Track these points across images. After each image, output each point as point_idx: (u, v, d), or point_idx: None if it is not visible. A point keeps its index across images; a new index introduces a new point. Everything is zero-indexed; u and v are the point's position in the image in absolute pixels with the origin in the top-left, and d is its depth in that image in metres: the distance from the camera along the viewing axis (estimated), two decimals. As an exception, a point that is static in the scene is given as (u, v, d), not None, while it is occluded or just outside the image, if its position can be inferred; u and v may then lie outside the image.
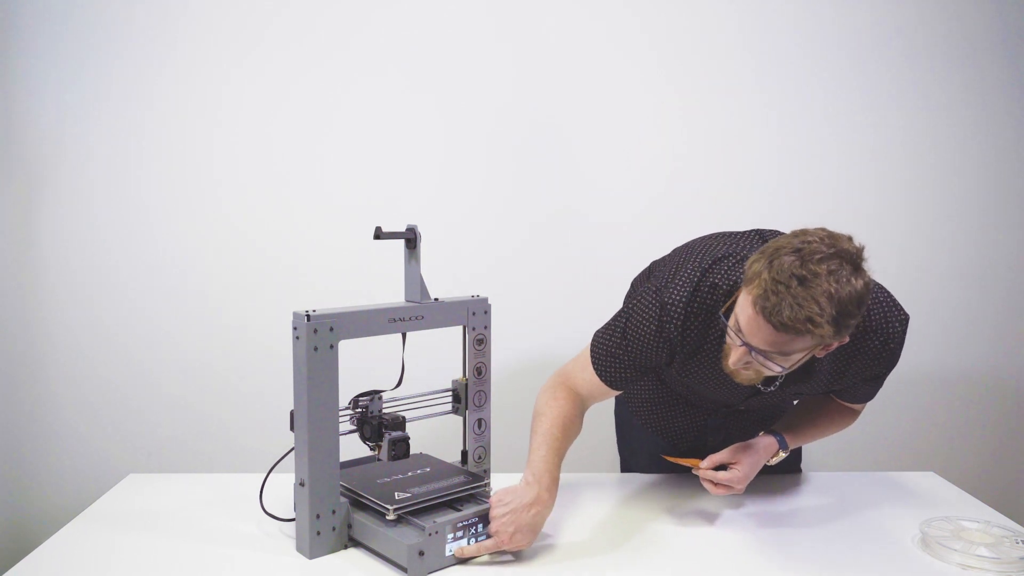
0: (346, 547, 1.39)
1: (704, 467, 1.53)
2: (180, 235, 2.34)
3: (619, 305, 2.25)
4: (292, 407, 1.35)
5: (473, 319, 1.51)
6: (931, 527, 1.44)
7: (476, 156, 2.37)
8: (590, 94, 2.35)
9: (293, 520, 1.40)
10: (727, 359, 1.40)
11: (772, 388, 1.52)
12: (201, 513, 1.54)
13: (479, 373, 1.53)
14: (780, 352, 1.30)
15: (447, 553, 1.33)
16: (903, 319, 1.50)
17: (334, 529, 1.36)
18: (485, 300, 1.53)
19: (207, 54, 2.29)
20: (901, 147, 2.41)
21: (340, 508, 1.37)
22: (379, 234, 1.41)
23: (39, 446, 2.38)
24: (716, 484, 1.51)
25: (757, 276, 1.28)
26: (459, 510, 1.38)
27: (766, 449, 1.56)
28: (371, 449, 1.40)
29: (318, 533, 1.35)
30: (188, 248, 2.35)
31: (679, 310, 1.45)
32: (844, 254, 1.27)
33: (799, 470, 1.86)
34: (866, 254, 1.31)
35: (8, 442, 2.35)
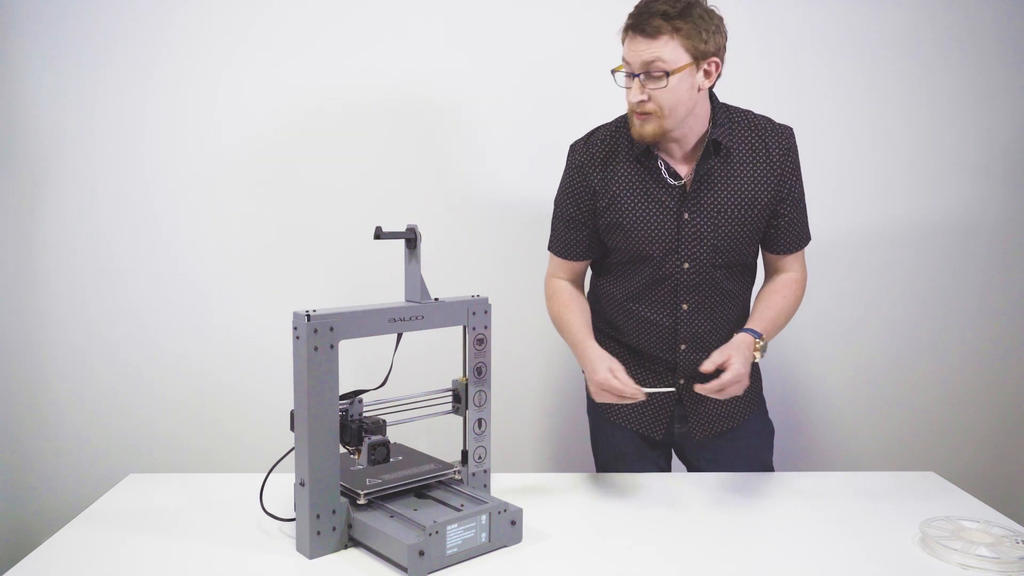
0: (346, 547, 1.39)
1: (703, 377, 1.58)
2: (180, 235, 2.35)
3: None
4: (292, 407, 1.35)
5: (473, 319, 1.51)
6: (931, 527, 1.44)
7: (476, 155, 2.37)
8: (592, 93, 2.35)
9: (293, 520, 1.40)
10: (628, 109, 1.63)
11: (684, 182, 1.66)
12: (201, 513, 1.54)
13: (479, 373, 1.53)
14: (652, 63, 1.54)
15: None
16: (789, 127, 1.72)
17: (334, 529, 1.36)
18: (485, 300, 1.53)
19: (205, 53, 2.30)
20: (902, 143, 2.41)
21: (340, 508, 1.37)
22: (379, 234, 1.41)
23: (39, 446, 2.38)
24: (723, 389, 1.56)
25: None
26: (459, 509, 1.38)
27: (744, 341, 1.63)
28: (351, 453, 1.40)
29: (318, 533, 1.35)
30: (188, 248, 2.35)
31: (580, 141, 1.77)
32: None
33: (771, 468, 1.87)
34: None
35: (8, 442, 2.35)
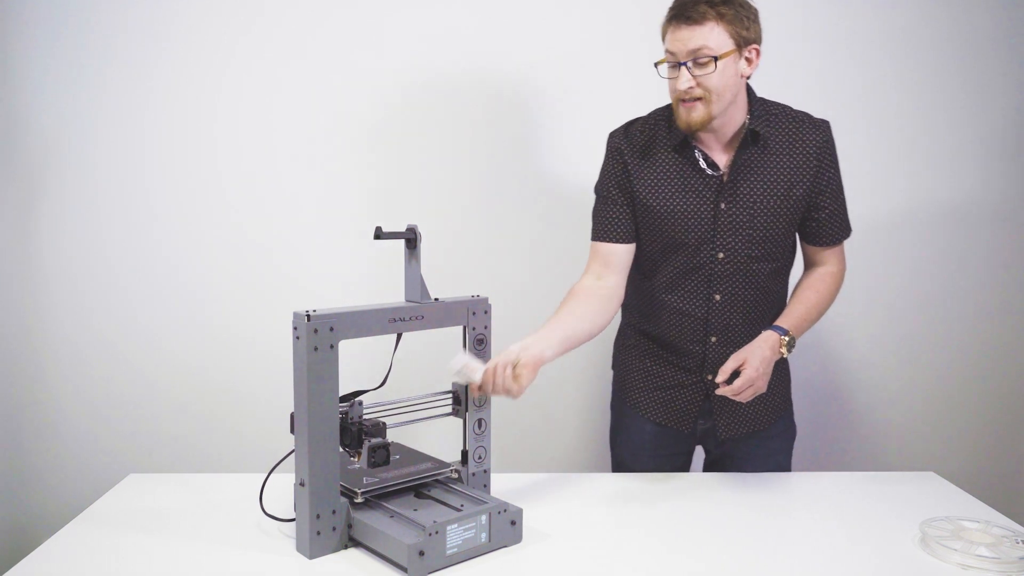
0: (346, 547, 1.39)
1: (719, 381, 1.59)
2: (180, 235, 2.35)
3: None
4: (292, 407, 1.35)
5: (473, 319, 1.51)
6: (931, 527, 1.44)
7: (477, 155, 2.37)
8: (593, 93, 2.35)
9: (293, 520, 1.40)
10: (673, 98, 1.65)
11: (722, 172, 1.68)
12: (201, 513, 1.54)
13: (479, 373, 1.53)
14: (699, 50, 1.56)
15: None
16: (825, 121, 1.75)
17: (334, 529, 1.36)
18: (485, 300, 1.53)
19: (206, 55, 2.30)
20: (899, 145, 2.41)
21: (340, 508, 1.37)
22: (379, 234, 1.41)
23: (39, 446, 2.38)
24: (738, 393, 1.58)
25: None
26: (459, 509, 1.38)
27: (766, 340, 1.64)
28: (350, 456, 1.40)
29: (318, 533, 1.35)
30: (188, 248, 2.35)
31: (619, 129, 1.79)
32: None
33: (789, 468, 1.88)
34: None
35: (8, 442, 2.35)
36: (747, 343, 1.67)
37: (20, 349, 2.35)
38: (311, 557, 1.35)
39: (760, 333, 1.67)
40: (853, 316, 2.45)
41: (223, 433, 2.40)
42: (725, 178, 1.69)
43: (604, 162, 1.80)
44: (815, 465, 2.48)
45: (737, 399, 1.59)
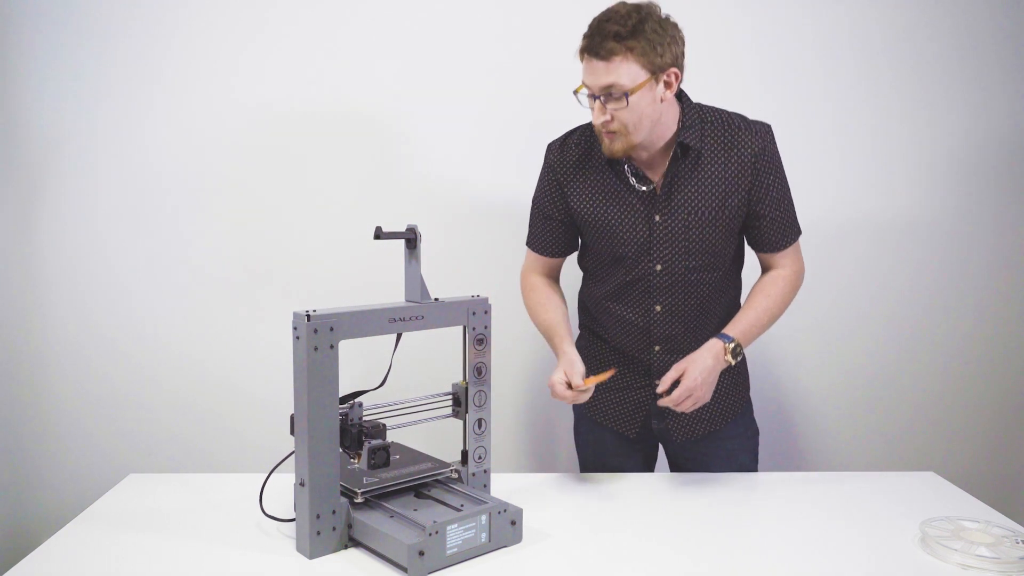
0: (346, 547, 1.39)
1: (660, 391, 1.60)
2: (180, 235, 2.35)
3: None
4: (292, 407, 1.35)
5: (473, 319, 1.51)
6: (931, 527, 1.44)
7: (477, 155, 2.37)
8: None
9: (293, 520, 1.40)
10: (597, 130, 1.62)
11: (654, 185, 1.66)
12: (201, 513, 1.54)
13: (479, 373, 1.53)
14: (610, 87, 1.54)
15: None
16: (766, 125, 1.69)
17: (334, 529, 1.36)
18: (485, 300, 1.53)
19: (206, 54, 2.30)
20: (899, 146, 2.41)
21: (340, 508, 1.37)
22: (379, 234, 1.41)
23: (39, 446, 2.38)
24: (677, 403, 1.59)
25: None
26: (459, 510, 1.38)
27: (710, 350, 1.63)
28: (350, 457, 1.40)
29: (318, 533, 1.35)
30: (188, 248, 2.35)
31: (556, 142, 1.78)
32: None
33: (754, 468, 1.87)
34: None
35: (8, 442, 2.35)
36: (692, 351, 1.67)
37: (20, 349, 2.35)
38: (311, 557, 1.35)
39: (706, 341, 1.66)
40: (854, 316, 2.45)
41: (223, 433, 2.40)
42: (658, 190, 1.68)
43: (540, 174, 1.81)
44: (815, 465, 2.48)
45: (677, 409, 1.59)
